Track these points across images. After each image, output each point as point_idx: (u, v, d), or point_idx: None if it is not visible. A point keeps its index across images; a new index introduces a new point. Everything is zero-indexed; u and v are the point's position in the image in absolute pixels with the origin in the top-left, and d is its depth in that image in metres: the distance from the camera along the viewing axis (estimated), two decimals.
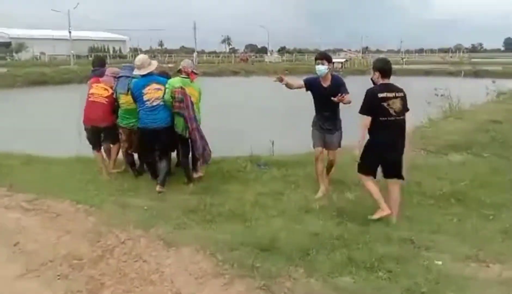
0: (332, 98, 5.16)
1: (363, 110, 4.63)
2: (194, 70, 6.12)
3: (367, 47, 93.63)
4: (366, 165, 4.80)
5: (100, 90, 6.35)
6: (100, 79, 6.39)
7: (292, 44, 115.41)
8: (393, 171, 4.76)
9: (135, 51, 75.93)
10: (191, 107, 5.81)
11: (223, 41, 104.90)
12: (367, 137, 4.72)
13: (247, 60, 63.44)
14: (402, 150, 4.69)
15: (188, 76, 5.98)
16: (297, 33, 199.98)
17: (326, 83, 5.47)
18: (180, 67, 6.01)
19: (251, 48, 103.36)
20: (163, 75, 6.26)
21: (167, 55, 69.20)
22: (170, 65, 48.51)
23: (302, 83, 5.60)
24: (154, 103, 5.78)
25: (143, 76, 5.79)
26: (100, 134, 6.53)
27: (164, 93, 5.80)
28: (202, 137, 5.99)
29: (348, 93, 5.24)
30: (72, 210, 5.16)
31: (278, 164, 7.22)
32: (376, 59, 5.10)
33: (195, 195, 5.64)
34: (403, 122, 4.66)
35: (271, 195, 5.62)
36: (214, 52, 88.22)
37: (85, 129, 6.53)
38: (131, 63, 6.49)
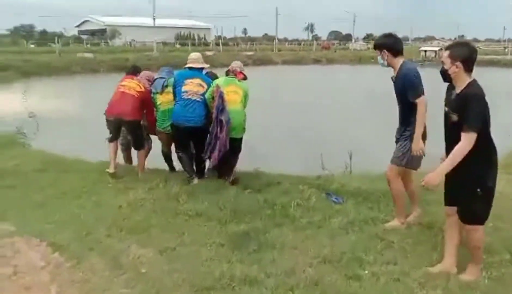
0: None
1: (478, 125, 2.90)
2: (242, 71, 5.64)
3: (462, 36, 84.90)
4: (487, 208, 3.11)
5: (132, 83, 5.72)
6: (135, 77, 5.86)
7: (380, 31, 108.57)
8: None
9: (219, 39, 76.06)
10: (219, 107, 5.10)
11: (306, 28, 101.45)
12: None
13: (329, 47, 60.08)
14: None
15: (234, 76, 5.50)
16: (385, 20, 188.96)
17: (395, 73, 3.97)
18: (229, 67, 5.62)
19: (335, 35, 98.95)
20: (210, 76, 5.76)
21: (249, 42, 68.01)
22: (248, 53, 47.65)
23: None
24: (191, 97, 5.27)
25: (191, 69, 5.47)
26: (121, 128, 5.76)
27: (206, 92, 5.35)
28: (215, 143, 5.15)
29: (415, 95, 3.75)
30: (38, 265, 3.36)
31: (358, 193, 4.93)
32: (454, 44, 3.22)
33: (221, 250, 3.59)
34: None
35: (350, 266, 3.37)
36: (296, 40, 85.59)
37: (107, 121, 5.73)
38: (168, 67, 6.16)
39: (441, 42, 62.88)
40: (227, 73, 5.55)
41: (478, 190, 2.99)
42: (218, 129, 5.05)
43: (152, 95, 5.76)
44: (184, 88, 5.27)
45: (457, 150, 2.89)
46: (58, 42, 55.71)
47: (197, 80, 5.35)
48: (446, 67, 3.00)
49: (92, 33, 71.32)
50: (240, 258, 3.48)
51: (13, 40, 59.06)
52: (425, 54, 43.48)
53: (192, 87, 5.29)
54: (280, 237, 3.83)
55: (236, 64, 5.65)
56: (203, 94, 5.30)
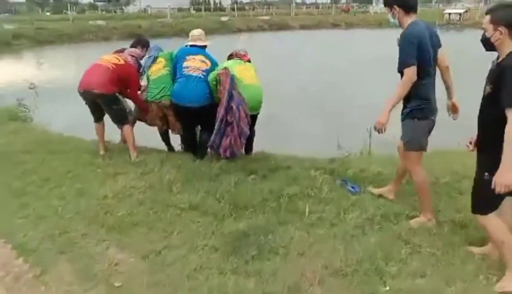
0: None
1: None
2: (246, 54, 5.19)
3: None
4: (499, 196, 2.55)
5: (110, 56, 5.11)
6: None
7: None
8: None
9: (235, 4, 74.04)
10: (229, 87, 4.56)
11: None
12: None
13: (349, 10, 57.66)
14: None
15: (240, 58, 5.08)
16: None
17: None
18: (232, 51, 5.20)
19: None
20: None
21: (265, 7, 65.96)
22: (265, 17, 46.06)
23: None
24: (193, 73, 4.79)
25: (193, 46, 5.03)
26: (96, 103, 4.97)
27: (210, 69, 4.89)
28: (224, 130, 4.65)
29: (400, 63, 3.22)
30: None
31: (378, 180, 4.26)
32: (497, 6, 2.64)
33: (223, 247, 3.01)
34: None
35: (367, 280, 2.75)
36: (315, 3, 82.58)
37: (81, 96, 4.98)
38: (157, 45, 5.59)
39: (465, 4, 59.60)
40: (229, 57, 5.15)
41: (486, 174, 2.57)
42: (230, 116, 4.56)
43: (142, 75, 5.27)
44: (185, 64, 4.85)
45: (507, 133, 2.38)
46: (72, 10, 55.29)
47: (200, 56, 4.91)
48: (488, 34, 2.56)
49: (108, 0, 70.16)
50: (236, 267, 2.89)
51: (28, 8, 58.64)
52: (449, 17, 41.24)
53: (195, 62, 4.85)
54: (284, 239, 3.21)
55: (239, 50, 5.16)
56: (206, 71, 4.83)
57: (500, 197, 2.56)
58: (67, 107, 9.25)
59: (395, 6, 3.27)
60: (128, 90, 5.10)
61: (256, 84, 4.86)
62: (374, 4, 65.27)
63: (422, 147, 3.35)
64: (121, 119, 5.03)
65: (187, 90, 4.72)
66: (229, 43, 31.12)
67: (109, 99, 4.88)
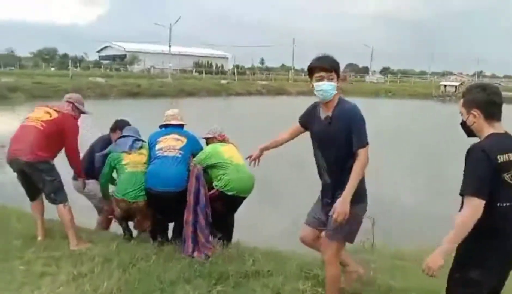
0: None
1: (474, 187, 2.15)
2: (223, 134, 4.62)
3: (481, 71, 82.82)
4: None
5: (40, 112, 4.04)
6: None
7: (397, 65, 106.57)
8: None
9: (237, 68, 75.62)
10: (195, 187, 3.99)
11: None
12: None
13: (346, 79, 58.56)
14: None
15: (222, 141, 4.55)
16: (403, 54, 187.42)
17: (325, 112, 2.89)
18: (211, 135, 4.58)
19: (352, 67, 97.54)
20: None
21: (265, 72, 67.29)
22: (264, 82, 46.54)
23: (297, 125, 3.20)
24: (168, 153, 4.15)
25: (167, 126, 4.41)
26: (27, 175, 3.94)
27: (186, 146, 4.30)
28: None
29: (361, 141, 2.74)
30: None
31: None
32: (471, 86, 2.40)
33: None
34: None
35: None
36: None
37: (11, 167, 3.98)
38: (134, 127, 4.77)
39: (458, 77, 60.83)
40: (209, 140, 4.58)
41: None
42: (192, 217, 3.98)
43: (112, 159, 4.34)
44: (157, 146, 4.21)
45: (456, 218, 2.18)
46: (78, 66, 56.09)
47: (173, 135, 4.29)
48: (463, 118, 2.36)
49: (113, 58, 71.58)
50: None
51: (35, 63, 59.47)
52: (445, 89, 41.62)
53: (168, 142, 4.22)
54: None
55: (215, 130, 4.58)
56: (183, 149, 4.20)
57: None
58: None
59: (472, 110, 2.44)
60: (65, 147, 4.06)
61: (245, 165, 4.15)
62: (370, 74, 66.70)
63: (352, 239, 3.00)
64: (55, 194, 3.94)
65: (162, 172, 4.01)
66: (228, 105, 31.02)
67: (38, 168, 3.84)
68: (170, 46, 46.99)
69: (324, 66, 2.79)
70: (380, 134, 15.97)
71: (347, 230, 2.82)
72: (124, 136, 4.48)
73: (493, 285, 2.30)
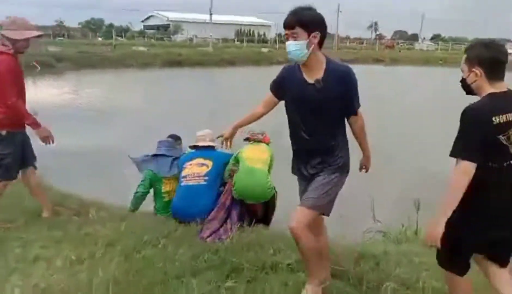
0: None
1: (463, 150, 2.08)
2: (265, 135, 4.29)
3: None
4: (457, 256, 2.24)
5: None
6: None
7: (448, 32, 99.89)
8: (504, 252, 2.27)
9: (280, 36, 73.85)
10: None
11: (370, 27, 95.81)
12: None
13: (394, 46, 55.70)
14: None
15: (259, 141, 4.21)
16: (455, 20, 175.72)
17: (312, 76, 2.47)
18: (247, 136, 4.21)
19: (400, 34, 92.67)
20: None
21: None
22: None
23: (270, 94, 2.72)
24: (191, 182, 3.96)
25: (197, 148, 4.22)
26: None
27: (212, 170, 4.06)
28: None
29: (359, 106, 2.58)
30: None
31: None
32: (475, 42, 2.27)
33: None
34: None
35: None
36: (359, 38, 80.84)
37: None
38: (168, 139, 4.55)
39: None
40: (247, 140, 4.29)
41: None
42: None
43: (153, 179, 4.22)
44: (183, 173, 4.06)
45: (450, 181, 2.09)
46: (123, 36, 56.70)
47: (198, 160, 4.10)
48: (464, 75, 2.22)
49: (157, 28, 71.79)
50: None
51: (82, 33, 60.73)
52: (507, 58, 38.44)
53: (192, 169, 4.04)
54: None
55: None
56: (209, 175, 4.00)
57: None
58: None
59: (474, 68, 2.24)
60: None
61: (261, 169, 3.96)
62: (420, 41, 62.95)
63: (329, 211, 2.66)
64: None
65: (186, 204, 3.89)
66: (269, 74, 30.19)
67: None
68: (211, 14, 46.21)
69: (287, 22, 2.41)
70: (435, 105, 14.81)
71: (329, 200, 2.54)
72: (163, 155, 4.31)
73: (481, 244, 2.20)
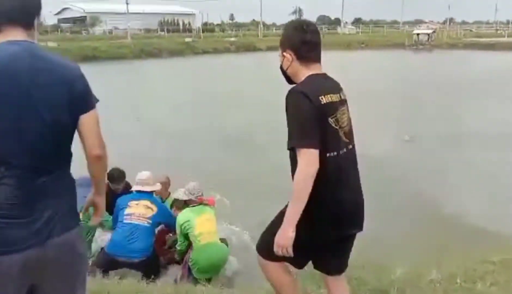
0: None
1: (302, 137, 1.84)
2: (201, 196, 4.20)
3: (451, 18, 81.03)
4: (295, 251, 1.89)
5: None
6: None
7: (369, 16, 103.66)
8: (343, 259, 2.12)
9: (205, 25, 72.09)
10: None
11: (294, 13, 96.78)
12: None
13: None
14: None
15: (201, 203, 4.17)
16: (374, 3, 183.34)
17: None
18: (186, 198, 4.13)
19: (324, 20, 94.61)
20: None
21: (234, 28, 64.16)
22: (231, 39, 43.95)
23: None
24: (135, 221, 3.97)
25: (139, 192, 4.20)
26: None
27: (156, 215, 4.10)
28: None
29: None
30: None
31: None
32: (286, 25, 2.16)
33: None
34: (355, 156, 2.07)
35: None
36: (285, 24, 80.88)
37: None
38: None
39: (430, 25, 59.28)
40: (185, 204, 4.18)
41: None
42: None
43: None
44: (126, 211, 4.07)
45: (294, 181, 1.86)
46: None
47: (144, 201, 4.15)
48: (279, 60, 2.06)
49: (73, 21, 66.82)
50: None
51: None
52: (418, 38, 40.05)
53: (138, 209, 4.06)
54: None
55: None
56: (152, 219, 4.07)
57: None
58: None
59: (285, 51, 2.03)
60: None
61: (215, 242, 4.02)
62: (342, 25, 64.29)
63: None
64: None
65: (127, 240, 3.87)
66: (193, 65, 28.83)
67: None
68: (127, 3, 43.46)
69: None
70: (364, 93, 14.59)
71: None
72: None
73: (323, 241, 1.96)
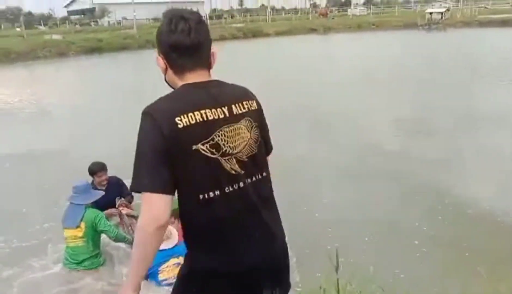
0: None
1: (141, 178, 1.34)
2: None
3: None
4: None
5: None
6: None
7: None
8: None
9: (214, 12, 71.10)
10: None
11: None
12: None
13: (327, 14, 54.65)
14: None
15: None
16: None
17: None
18: None
19: (334, 2, 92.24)
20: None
21: (243, 14, 62.99)
22: (238, 25, 42.88)
23: None
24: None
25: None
26: None
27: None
28: None
29: None
30: None
31: None
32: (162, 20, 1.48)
33: None
34: (265, 191, 1.53)
35: None
36: (294, 9, 79.40)
37: None
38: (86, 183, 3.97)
39: (443, 3, 57.05)
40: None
41: None
42: None
43: None
44: (160, 276, 3.62)
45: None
46: (45, 24, 51.65)
47: (172, 261, 3.67)
48: None
49: (82, 12, 66.38)
50: None
51: None
52: (431, 17, 38.43)
53: (170, 272, 3.59)
54: None
55: None
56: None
57: None
58: None
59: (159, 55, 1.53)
60: None
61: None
62: (352, 7, 62.44)
63: None
64: None
65: None
66: None
67: None
68: None
69: None
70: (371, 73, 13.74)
71: None
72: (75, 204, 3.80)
73: None
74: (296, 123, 8.41)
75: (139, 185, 1.33)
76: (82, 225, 3.68)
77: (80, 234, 3.69)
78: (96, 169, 4.41)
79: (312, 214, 4.61)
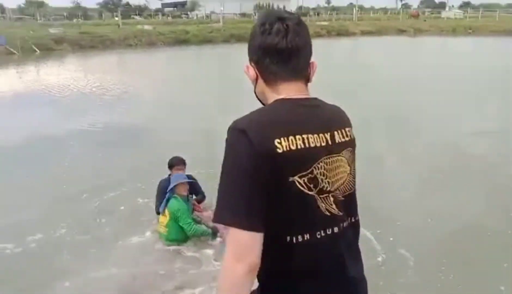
0: None
1: (230, 209, 1.05)
2: None
3: None
4: None
5: None
6: None
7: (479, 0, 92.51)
8: None
9: (300, 10, 70.62)
10: None
11: None
12: None
13: (418, 16, 51.33)
14: None
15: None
16: None
17: None
18: None
19: (427, 3, 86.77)
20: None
21: (329, 12, 61.62)
22: (323, 23, 41.89)
23: None
24: None
25: None
26: None
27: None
28: None
29: None
30: None
31: None
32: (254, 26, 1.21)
33: None
34: (356, 239, 1.27)
35: None
36: (384, 8, 76.04)
37: None
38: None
39: None
40: None
41: None
42: None
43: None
44: None
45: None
46: (140, 15, 54.96)
47: None
48: None
49: (174, 5, 69.55)
50: None
51: (99, 14, 59.37)
52: None
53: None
54: None
55: None
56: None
57: None
58: None
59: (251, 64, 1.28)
60: None
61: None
62: (447, 9, 58.09)
63: None
64: None
65: None
66: None
67: None
68: None
69: None
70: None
71: None
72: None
73: None
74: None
75: (224, 219, 1.07)
76: (166, 212, 3.92)
77: (165, 221, 3.94)
78: (175, 162, 4.38)
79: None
